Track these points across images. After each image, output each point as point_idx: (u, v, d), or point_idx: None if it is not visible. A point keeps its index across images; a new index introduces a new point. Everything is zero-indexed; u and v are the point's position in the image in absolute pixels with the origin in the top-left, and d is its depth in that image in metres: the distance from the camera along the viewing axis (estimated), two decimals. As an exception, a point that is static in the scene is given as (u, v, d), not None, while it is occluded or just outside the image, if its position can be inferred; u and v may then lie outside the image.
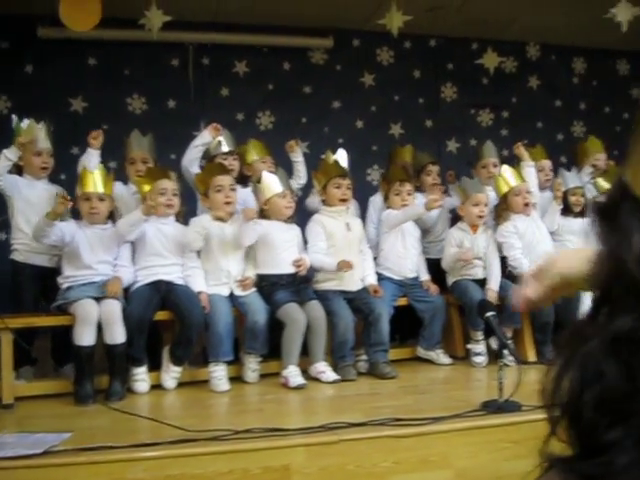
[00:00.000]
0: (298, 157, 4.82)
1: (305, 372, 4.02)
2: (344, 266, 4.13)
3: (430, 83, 6.94)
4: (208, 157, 4.55)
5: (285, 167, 4.80)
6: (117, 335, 3.72)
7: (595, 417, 0.57)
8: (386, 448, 2.81)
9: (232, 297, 4.09)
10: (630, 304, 0.57)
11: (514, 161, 5.04)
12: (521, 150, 4.95)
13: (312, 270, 4.27)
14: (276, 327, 4.06)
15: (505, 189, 4.61)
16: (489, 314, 3.36)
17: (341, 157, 4.67)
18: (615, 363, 0.57)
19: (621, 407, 0.55)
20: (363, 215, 5.00)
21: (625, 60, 7.39)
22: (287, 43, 6.53)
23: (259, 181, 4.26)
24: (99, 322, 3.71)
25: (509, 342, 3.85)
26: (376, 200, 4.97)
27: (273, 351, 4.11)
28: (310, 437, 2.82)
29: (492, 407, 3.09)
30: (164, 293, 3.95)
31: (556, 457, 0.60)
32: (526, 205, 4.56)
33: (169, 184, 4.08)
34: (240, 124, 6.40)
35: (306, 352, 4.09)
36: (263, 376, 4.09)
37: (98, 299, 3.76)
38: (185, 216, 4.22)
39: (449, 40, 6.87)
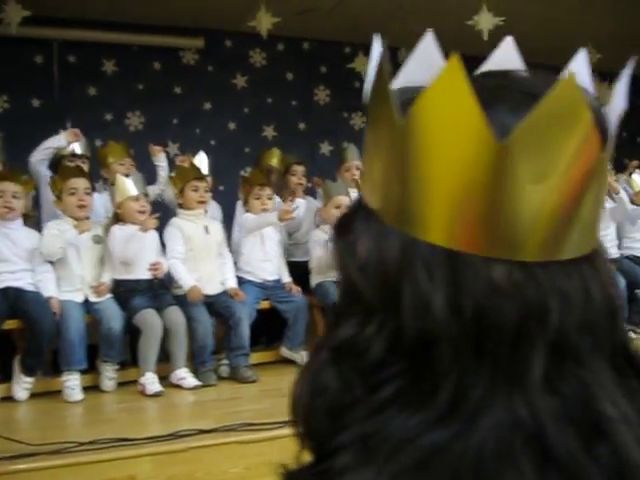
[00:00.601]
0: (161, 162, 4.73)
1: (167, 379, 3.95)
2: (194, 297, 4.06)
3: (303, 86, 6.96)
4: (55, 158, 4.39)
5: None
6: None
7: (322, 427, 0.57)
8: (236, 454, 2.79)
9: (87, 303, 3.96)
10: (353, 311, 0.57)
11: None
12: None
13: (170, 275, 4.18)
14: (136, 334, 3.96)
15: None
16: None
17: (201, 160, 4.63)
18: (336, 373, 0.57)
19: (343, 416, 0.55)
20: (230, 218, 4.96)
21: (492, 67, 7.65)
22: (157, 42, 6.39)
23: (113, 183, 4.14)
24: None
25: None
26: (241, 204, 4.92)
27: (135, 358, 4.01)
28: (157, 446, 2.76)
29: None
30: (13, 300, 3.77)
31: (289, 469, 0.59)
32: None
33: (9, 186, 3.87)
34: (109, 124, 6.23)
35: (168, 358, 4.02)
36: (122, 384, 3.98)
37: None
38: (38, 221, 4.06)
39: (322, 43, 6.92)
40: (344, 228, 0.60)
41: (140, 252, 4.02)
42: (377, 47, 0.63)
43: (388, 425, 0.52)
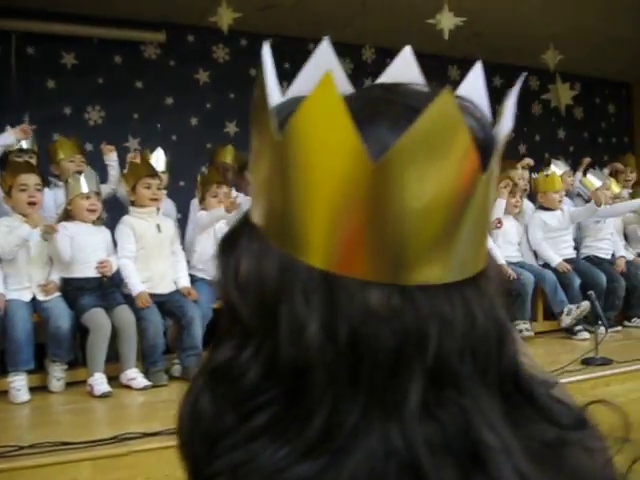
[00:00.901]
0: (112, 161, 4.65)
1: (117, 379, 3.88)
2: (141, 303, 3.98)
3: (266, 82, 6.90)
4: (2, 154, 4.31)
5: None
6: None
7: (200, 452, 0.54)
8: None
9: (35, 302, 3.88)
10: (233, 333, 0.54)
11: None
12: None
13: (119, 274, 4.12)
14: (86, 333, 3.89)
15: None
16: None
17: (158, 157, 4.57)
18: (211, 399, 0.55)
19: (218, 444, 0.53)
20: (186, 214, 4.91)
21: (456, 66, 7.66)
22: (118, 36, 6.28)
23: (67, 180, 4.07)
24: None
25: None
26: (196, 202, 4.87)
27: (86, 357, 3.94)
28: (99, 450, 2.70)
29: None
30: (-43, 299, 3.68)
31: None
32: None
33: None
34: (68, 118, 6.11)
35: (118, 358, 3.95)
36: (71, 384, 3.90)
37: None
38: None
39: (285, 39, 6.82)
40: (229, 244, 0.57)
41: (80, 253, 3.95)
42: (266, 54, 0.61)
43: (259, 455, 0.50)
